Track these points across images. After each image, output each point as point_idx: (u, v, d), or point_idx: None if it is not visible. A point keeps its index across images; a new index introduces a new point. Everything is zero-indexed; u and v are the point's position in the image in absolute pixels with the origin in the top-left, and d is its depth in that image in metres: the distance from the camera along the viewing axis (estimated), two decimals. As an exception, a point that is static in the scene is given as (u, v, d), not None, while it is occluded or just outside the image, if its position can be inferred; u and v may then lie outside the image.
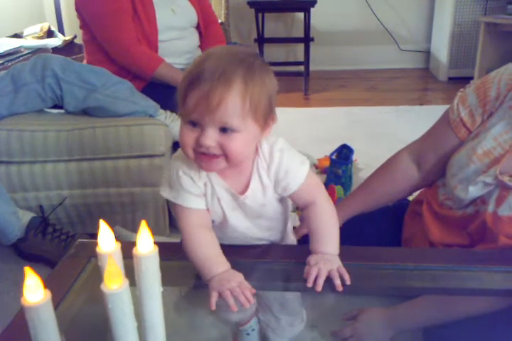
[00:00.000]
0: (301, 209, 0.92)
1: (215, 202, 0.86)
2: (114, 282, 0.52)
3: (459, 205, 1.04)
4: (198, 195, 0.84)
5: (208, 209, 0.87)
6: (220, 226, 0.91)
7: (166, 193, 0.86)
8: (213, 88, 0.71)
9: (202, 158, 0.78)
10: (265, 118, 0.78)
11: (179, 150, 0.85)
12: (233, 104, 0.72)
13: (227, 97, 0.72)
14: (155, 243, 0.60)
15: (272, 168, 0.84)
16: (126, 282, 0.53)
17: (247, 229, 0.91)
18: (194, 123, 0.75)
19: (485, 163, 0.99)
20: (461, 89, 1.11)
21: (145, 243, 0.56)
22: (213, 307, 0.78)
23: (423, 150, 1.16)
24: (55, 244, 1.59)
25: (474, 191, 0.99)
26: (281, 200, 0.91)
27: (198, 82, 0.72)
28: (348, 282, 0.81)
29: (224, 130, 0.74)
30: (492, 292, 0.94)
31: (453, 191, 1.04)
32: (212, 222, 0.89)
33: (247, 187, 0.85)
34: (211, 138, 0.74)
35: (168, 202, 1.72)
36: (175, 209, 0.86)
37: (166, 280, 0.77)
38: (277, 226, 0.96)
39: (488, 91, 1.02)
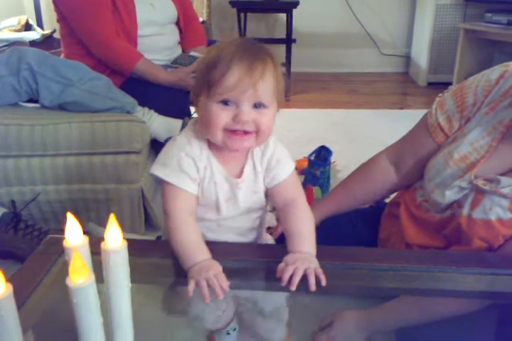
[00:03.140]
0: (278, 209, 0.93)
1: (211, 187, 0.87)
2: (79, 276, 0.50)
3: (437, 209, 1.05)
4: (193, 178, 0.85)
5: (197, 197, 0.87)
6: (204, 217, 0.90)
7: (158, 172, 0.85)
8: (254, 65, 0.77)
9: (233, 135, 0.81)
10: (281, 98, 0.84)
11: (181, 134, 0.89)
12: (270, 80, 0.79)
13: (266, 74, 0.78)
14: (126, 239, 0.59)
15: (266, 154, 0.89)
16: (91, 276, 0.52)
17: (232, 220, 0.92)
18: (226, 103, 0.79)
19: (461, 168, 1.00)
20: (440, 94, 1.13)
21: (113, 237, 0.55)
22: (191, 294, 0.78)
23: (401, 153, 1.16)
24: (27, 240, 1.55)
25: (450, 195, 1.00)
26: (265, 194, 0.93)
27: (234, 60, 0.77)
28: (323, 283, 0.80)
29: (256, 106, 0.80)
30: (466, 293, 0.94)
31: (430, 195, 1.05)
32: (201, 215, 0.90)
33: (241, 172, 0.88)
34: (248, 114, 0.79)
35: (144, 198, 1.71)
36: (164, 191, 0.86)
37: (137, 277, 0.76)
38: (257, 220, 0.97)
39: (466, 98, 1.03)
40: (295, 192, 0.92)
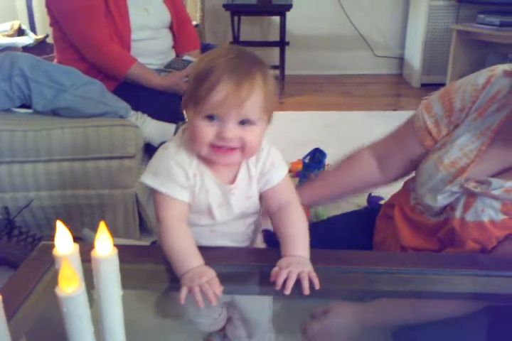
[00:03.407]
0: (272, 213, 0.92)
1: (202, 194, 0.86)
2: (69, 285, 0.50)
3: (430, 212, 1.05)
4: (184, 186, 0.84)
5: (189, 205, 0.86)
6: (197, 223, 0.89)
7: (149, 181, 0.85)
8: (241, 82, 0.76)
9: (218, 151, 0.81)
10: (271, 113, 0.83)
11: (171, 141, 0.87)
12: (258, 98, 0.77)
13: (253, 92, 0.76)
14: (118, 245, 0.58)
15: (261, 158, 0.88)
16: (82, 285, 0.51)
17: (225, 225, 0.91)
18: (212, 118, 0.78)
19: (451, 173, 1.00)
20: (426, 97, 1.13)
21: (104, 245, 0.54)
22: (183, 302, 0.77)
23: (386, 151, 1.16)
24: (20, 246, 1.55)
25: (442, 200, 1.00)
26: (259, 199, 0.92)
27: (223, 77, 0.76)
28: (317, 286, 0.80)
29: (243, 123, 0.78)
30: (460, 295, 0.94)
31: (423, 198, 1.05)
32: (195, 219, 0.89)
33: (234, 179, 0.87)
34: (233, 131, 0.78)
35: (138, 203, 1.70)
36: (156, 199, 0.86)
37: (130, 284, 0.76)
38: (251, 226, 0.96)
39: (453, 102, 1.04)
40: (289, 196, 0.92)
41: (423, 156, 1.10)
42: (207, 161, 0.86)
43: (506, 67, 1.01)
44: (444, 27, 3.65)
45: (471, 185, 0.96)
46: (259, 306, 1.03)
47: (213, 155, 0.82)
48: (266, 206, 0.93)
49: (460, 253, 0.98)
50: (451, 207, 1.00)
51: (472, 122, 1.01)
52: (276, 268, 0.83)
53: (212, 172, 0.86)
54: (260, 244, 1.03)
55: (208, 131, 0.79)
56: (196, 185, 0.86)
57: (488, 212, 0.94)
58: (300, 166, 2.14)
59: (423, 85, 3.81)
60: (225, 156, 0.81)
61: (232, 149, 0.81)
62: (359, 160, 1.19)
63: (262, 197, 0.93)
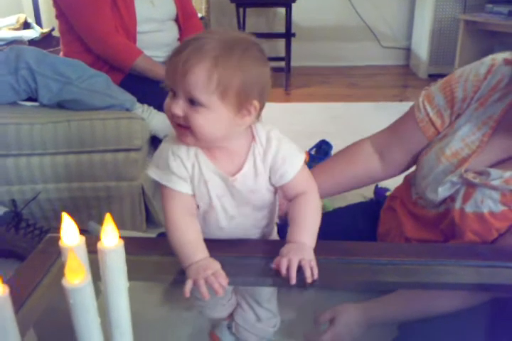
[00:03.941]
0: (290, 199, 0.90)
1: (201, 185, 0.85)
2: (75, 277, 0.50)
3: (431, 205, 1.05)
4: (183, 178, 0.84)
5: (193, 195, 0.85)
6: (205, 216, 0.89)
7: (152, 173, 0.85)
8: (185, 59, 0.74)
9: (175, 127, 0.80)
10: (239, 102, 0.78)
11: (171, 133, 0.86)
12: (198, 77, 0.74)
13: (193, 69, 0.74)
14: (124, 237, 0.59)
15: (269, 154, 0.84)
16: (88, 277, 0.52)
17: (232, 219, 0.89)
18: (173, 92, 0.78)
19: (453, 164, 1.00)
20: (426, 87, 1.12)
21: (110, 237, 0.55)
22: (187, 295, 0.77)
23: (388, 143, 1.15)
24: (28, 239, 1.56)
25: (443, 191, 1.00)
26: (272, 192, 0.90)
27: (178, 52, 0.76)
28: (315, 276, 0.80)
29: (192, 102, 0.76)
30: (466, 286, 0.94)
31: (424, 192, 1.04)
32: (198, 208, 0.88)
33: (239, 170, 0.85)
34: (179, 107, 0.76)
35: (145, 196, 1.71)
36: (161, 192, 0.86)
37: (137, 275, 0.76)
38: (263, 220, 0.94)
39: (455, 92, 1.03)
40: (306, 186, 0.89)
41: (425, 148, 1.09)
42: (206, 150, 0.84)
43: (507, 55, 1.00)
44: (452, 17, 3.62)
45: (470, 176, 0.95)
46: (266, 290, 1.03)
47: (175, 131, 0.81)
48: (284, 194, 0.91)
49: (465, 244, 0.98)
50: (451, 198, 1.00)
51: (473, 112, 1.00)
52: (278, 257, 0.83)
53: (212, 162, 0.84)
54: (276, 236, 1.01)
55: (167, 105, 0.79)
56: (195, 175, 0.84)
57: (487, 203, 0.94)
58: (306, 158, 2.13)
59: (430, 76, 3.79)
60: (180, 134, 0.80)
61: (183, 128, 0.78)
62: (360, 151, 1.18)
63: (279, 189, 0.90)
